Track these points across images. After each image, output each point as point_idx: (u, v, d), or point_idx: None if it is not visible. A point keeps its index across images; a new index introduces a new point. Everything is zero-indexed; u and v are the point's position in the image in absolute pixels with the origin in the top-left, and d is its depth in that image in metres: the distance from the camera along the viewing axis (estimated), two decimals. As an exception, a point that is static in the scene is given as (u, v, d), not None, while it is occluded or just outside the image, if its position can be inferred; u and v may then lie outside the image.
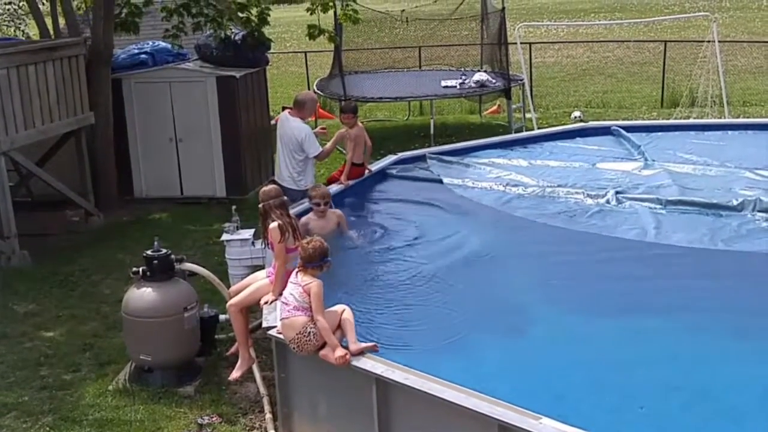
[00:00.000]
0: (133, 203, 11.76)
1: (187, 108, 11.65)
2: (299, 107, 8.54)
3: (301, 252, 5.52)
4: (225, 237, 7.38)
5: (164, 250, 6.50)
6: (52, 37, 12.14)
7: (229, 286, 6.99)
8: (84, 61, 10.94)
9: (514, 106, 15.89)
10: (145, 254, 6.49)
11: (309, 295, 5.34)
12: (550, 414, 4.44)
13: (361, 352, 5.22)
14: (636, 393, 5.18)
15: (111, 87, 11.54)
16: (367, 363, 5.14)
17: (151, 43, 12.50)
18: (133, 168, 11.93)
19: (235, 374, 6.35)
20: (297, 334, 5.34)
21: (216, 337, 7.07)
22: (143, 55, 12.09)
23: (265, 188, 6.47)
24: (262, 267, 6.81)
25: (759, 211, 8.28)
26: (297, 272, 5.52)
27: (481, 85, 15.54)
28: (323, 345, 5.31)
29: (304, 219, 7.35)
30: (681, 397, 5.13)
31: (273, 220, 6.17)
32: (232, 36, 12.05)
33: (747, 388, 5.20)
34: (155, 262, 6.43)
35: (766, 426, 4.80)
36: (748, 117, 15.55)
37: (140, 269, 6.47)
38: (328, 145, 8.80)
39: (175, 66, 12.11)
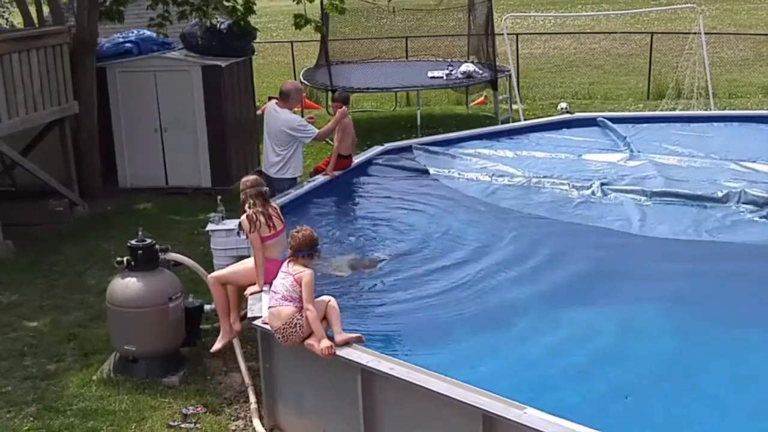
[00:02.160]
0: (117, 193, 11.68)
1: (172, 97, 11.57)
2: (285, 98, 8.52)
3: (291, 241, 5.52)
4: (210, 227, 7.35)
5: (148, 240, 6.47)
6: (36, 25, 12.03)
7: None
8: (68, 49, 10.83)
9: (500, 97, 15.89)
10: (129, 244, 6.46)
11: (300, 285, 5.33)
12: (534, 404, 4.45)
13: (346, 343, 5.21)
14: (621, 383, 5.22)
15: (95, 76, 11.46)
16: (353, 353, 5.13)
17: (135, 31, 12.41)
18: (118, 158, 11.85)
19: (217, 346, 6.31)
20: (283, 325, 5.33)
21: (201, 327, 7.05)
22: (128, 44, 12.00)
23: (244, 178, 6.45)
24: (247, 257, 6.79)
25: (744, 203, 8.33)
26: (288, 262, 5.51)
27: (468, 76, 15.53)
28: (308, 335, 5.30)
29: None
30: (665, 387, 5.17)
31: (242, 209, 6.18)
32: (218, 25, 11.98)
33: (730, 378, 5.25)
34: (139, 252, 6.39)
35: (748, 416, 4.84)
36: (733, 109, 15.60)
37: (124, 259, 6.43)
38: (329, 124, 8.79)
39: (160, 55, 12.04)
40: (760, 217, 8.05)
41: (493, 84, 15.48)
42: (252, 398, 6.01)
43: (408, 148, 10.79)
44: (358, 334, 5.35)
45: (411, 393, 4.82)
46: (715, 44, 22.90)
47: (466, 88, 16.58)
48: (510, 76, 16.14)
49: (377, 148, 10.56)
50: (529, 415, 4.35)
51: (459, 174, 9.79)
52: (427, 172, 9.90)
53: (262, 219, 6.06)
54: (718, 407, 4.93)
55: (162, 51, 12.24)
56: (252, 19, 12.29)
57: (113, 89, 11.69)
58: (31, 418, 5.99)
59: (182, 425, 5.81)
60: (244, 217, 6.11)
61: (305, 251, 5.45)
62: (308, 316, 5.25)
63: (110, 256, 8.03)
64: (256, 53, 13.52)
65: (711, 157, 10.04)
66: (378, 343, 5.49)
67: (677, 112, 14.22)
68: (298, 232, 5.52)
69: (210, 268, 7.21)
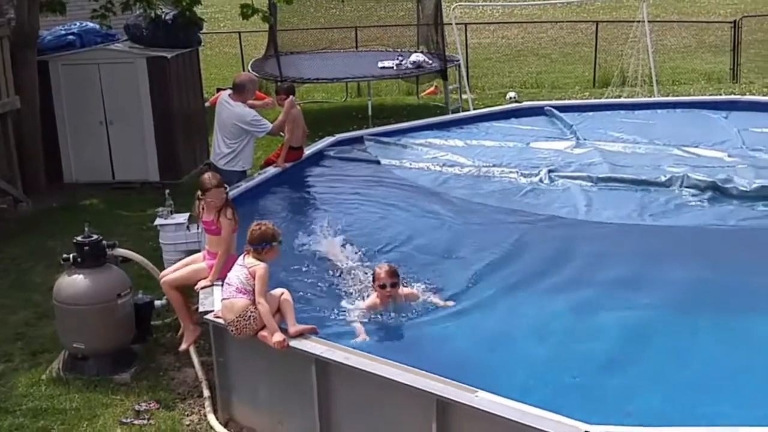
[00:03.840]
0: (62, 189, 11.47)
1: (117, 90, 11.39)
2: (240, 91, 8.42)
3: (248, 234, 5.54)
4: (159, 222, 7.28)
5: (95, 236, 6.38)
6: (-26, 18, 11.73)
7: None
8: (8, 43, 10.59)
9: (450, 87, 15.97)
10: (75, 240, 6.36)
11: (254, 278, 5.34)
12: (486, 388, 4.51)
13: (300, 334, 5.22)
14: (569, 365, 5.31)
15: (37, 70, 11.22)
16: (307, 344, 5.14)
17: (78, 23, 12.18)
18: (62, 152, 11.63)
19: (184, 346, 6.34)
20: (237, 317, 5.32)
21: (152, 323, 6.98)
22: (70, 37, 11.76)
23: (208, 175, 6.46)
24: (197, 251, 6.75)
25: (686, 187, 8.54)
26: (244, 255, 5.51)
27: (418, 66, 15.57)
28: (262, 327, 5.30)
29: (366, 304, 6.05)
30: (613, 368, 5.27)
31: (225, 208, 6.22)
32: (163, 16, 11.80)
33: (678, 359, 5.37)
34: (86, 248, 6.29)
35: (695, 395, 4.96)
36: (676, 95, 15.92)
37: (71, 256, 6.34)
38: (280, 117, 8.74)
39: (104, 47, 11.83)
40: (702, 201, 8.26)
41: (442, 74, 15.54)
42: (206, 393, 5.97)
43: (359, 139, 10.81)
44: (312, 326, 5.36)
45: (366, 381, 4.85)
46: (659, 32, 23.34)
47: (417, 78, 16.62)
48: (459, 65, 16.22)
49: (328, 139, 10.55)
50: (481, 398, 4.41)
51: (410, 164, 9.85)
52: (378, 162, 9.93)
53: (236, 216, 6.18)
54: (668, 388, 5.03)
55: (106, 43, 12.03)
56: (198, 10, 12.15)
57: (56, 83, 11.47)
58: (-21, 420, 5.88)
59: (135, 422, 5.75)
60: (231, 211, 6.17)
61: (255, 245, 5.46)
62: (260, 310, 5.25)
63: (56, 254, 7.88)
64: (203, 44, 13.39)
65: (654, 143, 10.26)
66: (330, 333, 5.51)
67: (622, 100, 14.45)
68: (257, 226, 5.55)
69: (159, 264, 7.16)
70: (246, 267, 5.41)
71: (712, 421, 4.31)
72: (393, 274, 6.01)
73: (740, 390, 4.96)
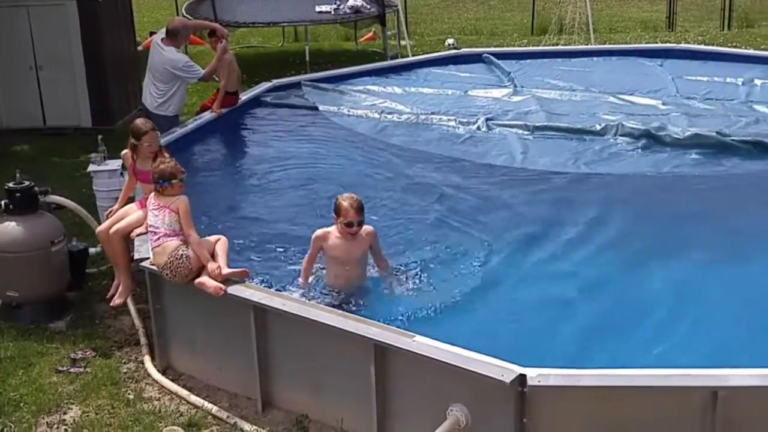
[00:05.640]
0: (-9, 135, 11.12)
1: (47, 34, 11.00)
2: (172, 37, 8.27)
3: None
4: (92, 168, 7.14)
5: (27, 183, 6.23)
6: None
7: (98, 219, 6.80)
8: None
9: (389, 33, 15.83)
10: (6, 187, 6.21)
11: (178, 214, 5.27)
12: (423, 333, 4.58)
13: (228, 278, 5.16)
14: (506, 309, 5.44)
15: (-38, 12, 10.77)
16: (245, 291, 5.13)
17: (3, -37, 11.67)
18: (-9, 97, 11.26)
19: (118, 300, 6.24)
20: (169, 258, 5.24)
21: (87, 271, 6.89)
22: (-4, -23, 11.29)
23: (145, 120, 6.33)
24: (132, 198, 6.65)
25: (621, 135, 8.70)
26: (154, 195, 5.44)
27: (356, 10, 15.36)
28: (199, 272, 5.25)
29: (319, 232, 5.62)
30: (549, 312, 5.41)
31: (161, 152, 6.15)
32: (93, -45, 11.39)
33: (612, 304, 5.53)
34: (18, 195, 6.15)
35: (627, 339, 5.14)
36: (613, 43, 16.08)
37: (2, 203, 6.19)
38: (212, 62, 8.58)
39: (32, -11, 11.38)
40: (636, 149, 8.44)
41: (381, 19, 15.37)
42: (143, 340, 5.94)
43: (297, 85, 10.70)
44: (243, 269, 5.31)
45: (305, 328, 4.88)
46: (597, -20, 23.41)
47: (355, 24, 16.43)
48: (397, 11, 16.06)
49: (265, 85, 10.42)
50: (419, 343, 4.48)
51: (348, 111, 9.81)
52: (316, 108, 9.86)
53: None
54: (603, 329, 5.21)
55: (34, -16, 11.57)
56: (129, -50, 11.76)
57: (-18, 26, 11.03)
58: None
59: (71, 370, 5.70)
60: (168, 155, 6.03)
61: (154, 182, 5.40)
62: (191, 241, 5.21)
63: (-13, 201, 7.69)
64: (135, -14, 12.97)
65: (590, 91, 10.40)
66: (268, 281, 5.52)
67: (559, 47, 14.56)
68: (157, 163, 5.51)
69: (93, 211, 7.03)
70: (165, 207, 5.31)
71: (648, 364, 4.46)
72: (361, 209, 5.42)
73: (670, 334, 5.14)
